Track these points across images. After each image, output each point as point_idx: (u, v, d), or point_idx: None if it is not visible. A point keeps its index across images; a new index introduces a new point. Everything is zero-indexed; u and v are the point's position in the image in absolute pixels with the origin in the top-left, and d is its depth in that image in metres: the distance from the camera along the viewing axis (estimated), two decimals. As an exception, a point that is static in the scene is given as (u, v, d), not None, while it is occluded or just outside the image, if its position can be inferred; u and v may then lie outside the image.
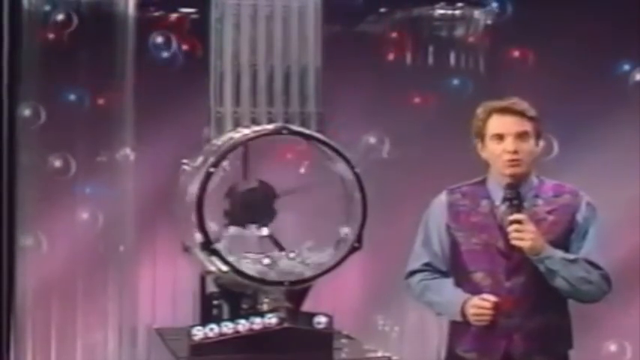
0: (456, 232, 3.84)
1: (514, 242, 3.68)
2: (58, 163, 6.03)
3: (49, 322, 5.98)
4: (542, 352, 3.77)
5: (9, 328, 5.54)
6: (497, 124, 3.76)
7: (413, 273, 3.93)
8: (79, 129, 5.97)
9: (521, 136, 3.74)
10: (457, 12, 6.34)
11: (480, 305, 3.71)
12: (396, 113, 6.09)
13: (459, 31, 6.35)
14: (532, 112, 3.78)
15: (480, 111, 3.82)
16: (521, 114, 3.75)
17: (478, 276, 3.78)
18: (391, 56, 6.36)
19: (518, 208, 3.72)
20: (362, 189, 3.89)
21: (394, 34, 6.34)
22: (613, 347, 6.21)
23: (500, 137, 3.75)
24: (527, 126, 3.75)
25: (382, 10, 6.31)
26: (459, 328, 3.85)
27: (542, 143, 3.83)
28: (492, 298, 3.71)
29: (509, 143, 3.73)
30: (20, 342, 5.75)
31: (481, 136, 3.80)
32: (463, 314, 3.76)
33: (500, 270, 3.76)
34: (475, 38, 6.35)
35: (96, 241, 6.00)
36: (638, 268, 5.91)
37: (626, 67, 6.27)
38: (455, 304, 3.78)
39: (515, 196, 3.73)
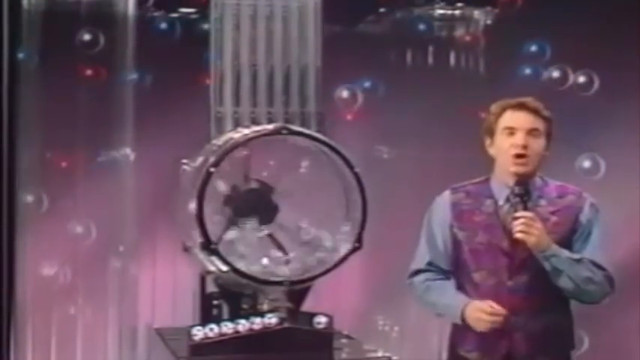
0: (459, 232, 3.83)
1: (519, 236, 3.67)
2: (57, 163, 6.03)
3: (49, 322, 5.97)
4: (545, 352, 3.77)
5: (9, 328, 5.54)
6: (510, 118, 3.76)
7: (417, 272, 3.92)
8: (80, 128, 5.97)
9: (532, 132, 3.74)
10: (457, 12, 6.34)
11: (481, 309, 3.70)
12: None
13: (459, 31, 6.36)
14: (546, 113, 3.78)
15: (493, 107, 3.82)
16: (535, 111, 3.75)
17: (481, 275, 3.77)
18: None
19: (526, 205, 3.71)
20: (362, 189, 3.89)
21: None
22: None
23: (511, 131, 3.74)
24: (540, 124, 3.75)
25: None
26: (461, 327, 3.85)
27: (550, 146, 3.81)
28: (493, 305, 3.70)
29: (519, 137, 3.72)
30: (20, 342, 5.75)
31: (491, 131, 3.80)
32: (463, 318, 3.76)
33: (503, 269, 3.76)
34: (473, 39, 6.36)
35: (96, 242, 5.99)
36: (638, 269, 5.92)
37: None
38: (455, 307, 3.78)
39: (525, 193, 3.73)
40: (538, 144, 3.75)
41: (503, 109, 3.79)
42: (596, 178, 6.17)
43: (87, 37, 5.99)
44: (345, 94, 6.25)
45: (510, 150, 3.73)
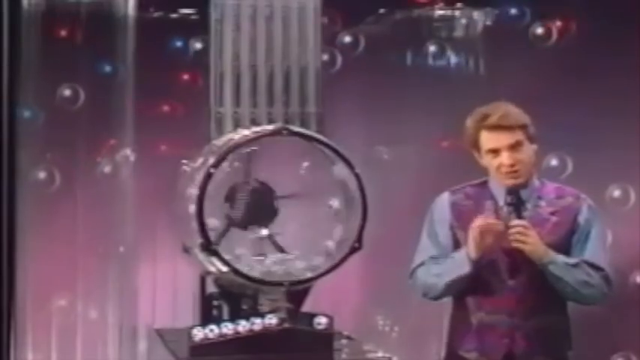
0: (459, 231, 3.83)
1: (516, 244, 3.68)
2: (58, 163, 6.03)
3: (49, 322, 5.97)
4: (543, 352, 3.77)
5: (9, 328, 5.53)
6: (489, 139, 3.74)
7: (418, 267, 3.90)
8: (79, 129, 5.97)
9: (515, 147, 3.73)
10: (457, 12, 6.33)
11: (471, 233, 3.67)
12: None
13: (459, 32, 6.35)
14: (521, 121, 3.75)
15: (468, 123, 3.80)
16: (509, 127, 3.72)
17: (481, 275, 3.77)
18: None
19: (520, 213, 3.72)
20: (362, 189, 3.89)
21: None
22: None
23: (495, 152, 3.74)
24: (519, 135, 3.73)
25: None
26: (459, 327, 3.85)
27: (535, 143, 3.80)
28: (475, 223, 3.68)
29: (505, 157, 3.72)
30: (20, 342, 5.75)
31: (476, 146, 3.80)
32: (471, 261, 3.70)
33: (504, 269, 3.76)
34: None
35: (96, 241, 5.99)
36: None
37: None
38: (459, 257, 3.74)
39: (517, 201, 3.73)
40: (525, 153, 3.75)
41: (479, 129, 3.75)
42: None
43: (86, 38, 5.98)
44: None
45: (500, 169, 3.75)
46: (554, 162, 6.03)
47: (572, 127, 5.85)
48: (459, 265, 3.74)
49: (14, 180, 5.41)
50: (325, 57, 4.77)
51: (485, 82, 6.18)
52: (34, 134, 5.84)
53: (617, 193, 6.11)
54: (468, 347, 3.82)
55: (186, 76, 6.10)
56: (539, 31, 6.21)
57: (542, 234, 3.71)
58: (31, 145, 5.80)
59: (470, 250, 3.70)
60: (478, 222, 3.68)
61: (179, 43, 6.13)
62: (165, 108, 6.11)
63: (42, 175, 5.98)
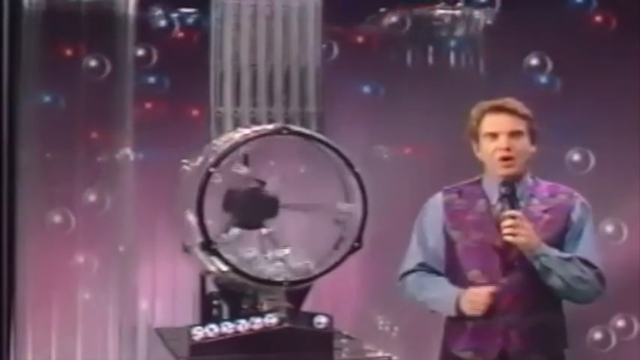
0: (452, 231, 3.84)
1: (507, 238, 3.69)
2: (58, 163, 6.03)
3: (49, 322, 5.97)
4: (538, 350, 3.78)
5: (9, 328, 5.54)
6: (491, 122, 3.79)
7: (407, 273, 3.92)
8: (80, 129, 5.97)
9: (515, 134, 3.76)
10: (457, 12, 6.33)
11: (475, 295, 3.72)
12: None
13: (459, 31, 6.35)
14: (525, 111, 3.80)
15: (473, 111, 3.85)
16: (513, 112, 3.77)
17: (474, 274, 3.78)
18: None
19: (513, 205, 3.73)
20: (362, 189, 3.89)
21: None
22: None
23: (493, 135, 3.77)
24: (521, 125, 3.77)
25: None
26: (454, 327, 3.86)
27: (536, 144, 3.83)
28: (486, 288, 3.71)
29: (502, 141, 3.75)
30: (20, 342, 5.75)
31: (475, 136, 3.83)
32: (458, 309, 3.76)
33: (497, 268, 3.77)
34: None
35: (96, 242, 5.99)
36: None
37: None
38: (449, 298, 3.78)
39: (511, 193, 3.75)
40: (522, 144, 3.77)
41: (483, 113, 3.81)
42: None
43: (87, 37, 5.98)
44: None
45: (495, 154, 3.77)
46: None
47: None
48: (447, 305, 3.80)
49: (14, 179, 5.42)
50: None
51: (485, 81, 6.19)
52: (32, 133, 5.84)
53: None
54: (463, 347, 3.83)
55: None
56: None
57: (535, 232, 3.72)
58: (30, 144, 5.81)
59: (461, 304, 3.75)
60: (473, 297, 3.72)
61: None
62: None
63: (41, 175, 5.98)
